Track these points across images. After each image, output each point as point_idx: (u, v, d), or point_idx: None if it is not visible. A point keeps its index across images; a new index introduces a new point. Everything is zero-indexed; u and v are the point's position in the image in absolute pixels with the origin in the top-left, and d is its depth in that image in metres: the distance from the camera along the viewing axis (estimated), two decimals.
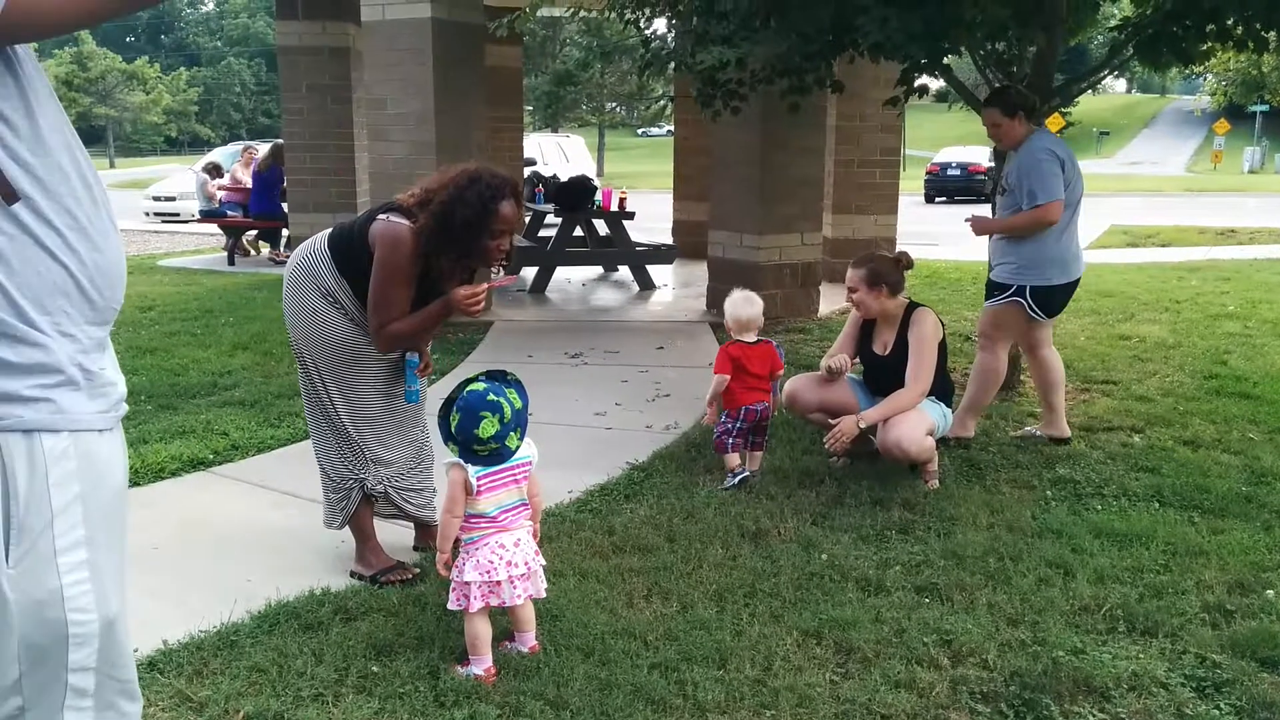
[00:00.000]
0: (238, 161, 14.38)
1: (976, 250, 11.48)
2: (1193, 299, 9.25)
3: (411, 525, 3.73)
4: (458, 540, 2.85)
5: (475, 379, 2.86)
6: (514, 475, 2.84)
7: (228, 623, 3.10)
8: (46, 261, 1.39)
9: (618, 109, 52.91)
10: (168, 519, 3.98)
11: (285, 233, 12.43)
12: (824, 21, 5.45)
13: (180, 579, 3.45)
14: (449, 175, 3.18)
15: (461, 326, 7.67)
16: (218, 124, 76.82)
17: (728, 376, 4.35)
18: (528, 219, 11.69)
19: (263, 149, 13.45)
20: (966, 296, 9.47)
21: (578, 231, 10.64)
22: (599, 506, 4.10)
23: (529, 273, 10.07)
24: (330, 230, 3.42)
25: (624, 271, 10.89)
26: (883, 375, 4.45)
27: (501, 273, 3.43)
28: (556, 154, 22.54)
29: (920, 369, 4.28)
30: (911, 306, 4.44)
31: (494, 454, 2.79)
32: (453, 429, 2.79)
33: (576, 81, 45.51)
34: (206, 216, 13.37)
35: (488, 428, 2.73)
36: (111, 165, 58.42)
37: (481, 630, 2.81)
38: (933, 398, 4.35)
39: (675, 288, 10.43)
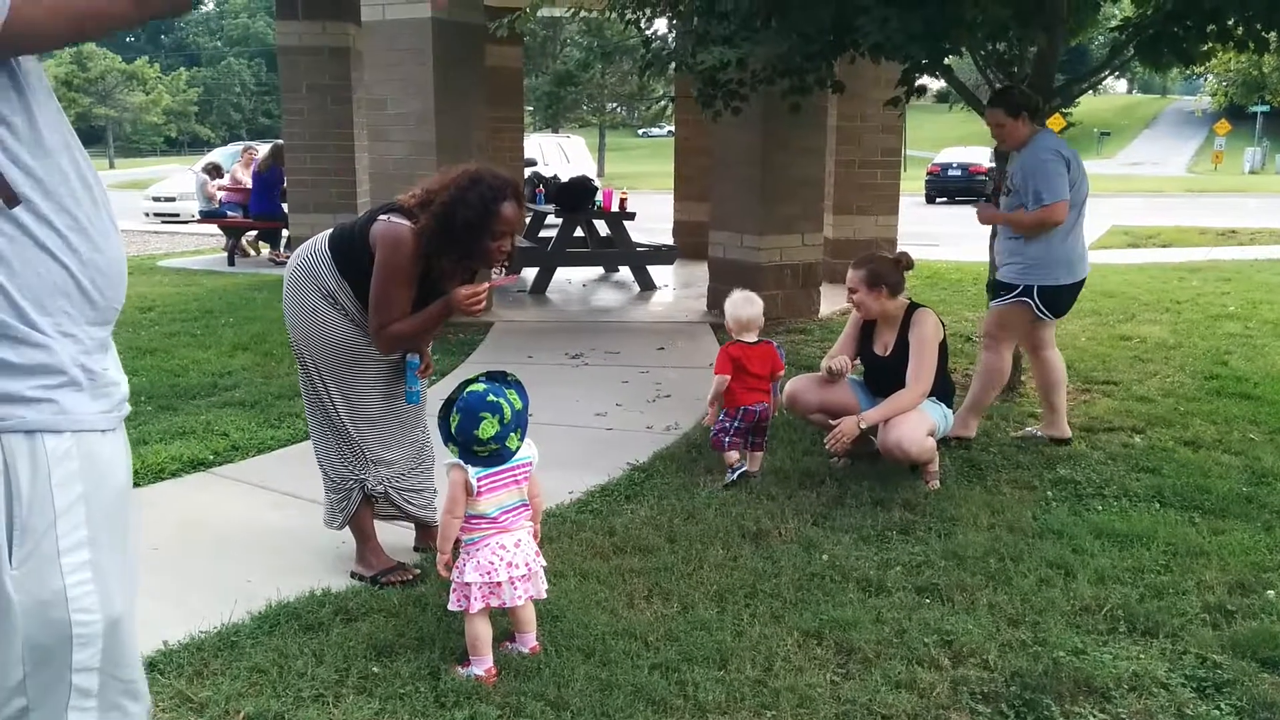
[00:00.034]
0: (238, 162, 14.38)
1: (977, 251, 11.50)
2: (1193, 299, 9.25)
3: (412, 526, 3.73)
4: (458, 541, 2.85)
5: (475, 380, 2.85)
6: (514, 476, 2.84)
7: (228, 623, 3.10)
8: (47, 262, 1.39)
9: (618, 109, 52.93)
10: (168, 519, 3.98)
11: (285, 233, 12.43)
12: (825, 22, 5.45)
13: (180, 579, 3.45)
14: (450, 176, 3.17)
15: (462, 327, 7.67)
16: (218, 124, 76.86)
17: (728, 376, 4.35)
18: (528, 220, 11.69)
19: (263, 149, 13.45)
20: (967, 297, 9.47)
21: (578, 232, 10.64)
22: (600, 507, 4.10)
23: (530, 273, 10.07)
24: (331, 231, 3.42)
25: (625, 272, 10.89)
26: (883, 376, 4.45)
27: (503, 272, 3.43)
28: (557, 154, 22.55)
29: (921, 370, 4.28)
30: (912, 307, 4.44)
31: (494, 455, 2.79)
32: (453, 430, 2.79)
33: (577, 82, 45.52)
34: (206, 217, 13.37)
35: (488, 428, 2.73)
36: (111, 166, 58.44)
37: (482, 631, 2.81)
38: (933, 398, 4.35)
39: (676, 288, 10.43)
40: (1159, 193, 30.31)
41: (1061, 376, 4.99)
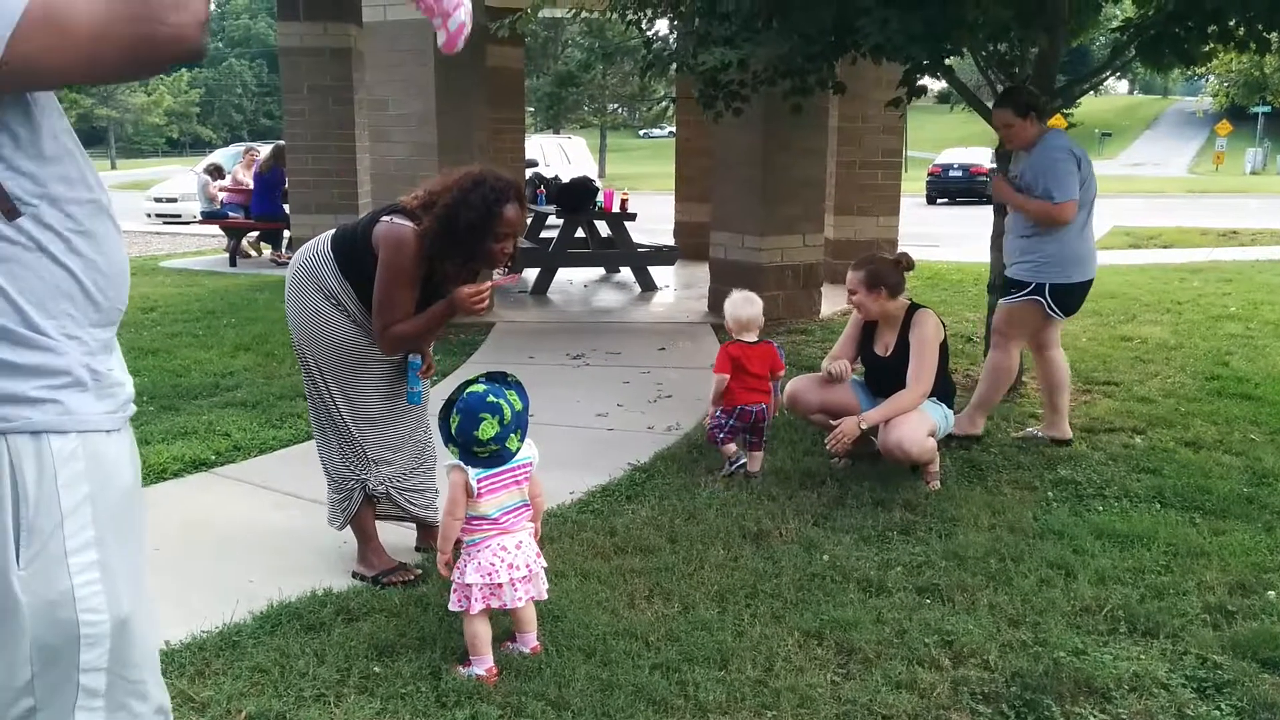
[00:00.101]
0: (239, 163, 14.40)
1: (978, 252, 11.50)
2: (1194, 300, 9.25)
3: (414, 526, 3.74)
4: (459, 541, 2.85)
5: (475, 380, 2.86)
6: (515, 476, 2.85)
7: (230, 623, 3.10)
8: (49, 266, 1.39)
9: (619, 110, 52.90)
10: (170, 520, 3.99)
11: (287, 234, 12.43)
12: (825, 23, 5.45)
13: (182, 580, 3.45)
14: (453, 178, 3.18)
15: (463, 328, 7.67)
16: (219, 125, 76.88)
17: (727, 376, 4.39)
18: (530, 220, 11.69)
19: (264, 150, 13.45)
20: (968, 298, 9.47)
21: (579, 233, 10.64)
22: (600, 507, 4.11)
23: (531, 274, 10.07)
24: (333, 231, 3.42)
25: (626, 273, 10.90)
26: (884, 376, 4.46)
27: (505, 272, 3.44)
28: (558, 155, 22.54)
29: (921, 370, 4.28)
30: (913, 308, 4.45)
31: (494, 456, 2.79)
32: (453, 431, 2.80)
33: (578, 82, 45.51)
34: (208, 218, 13.38)
35: (488, 429, 2.74)
36: (113, 167, 58.48)
37: (481, 631, 2.82)
38: (934, 399, 4.36)
39: (677, 289, 10.43)
40: (1160, 193, 30.30)
41: (1066, 377, 4.99)
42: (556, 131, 42.36)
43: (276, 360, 6.77)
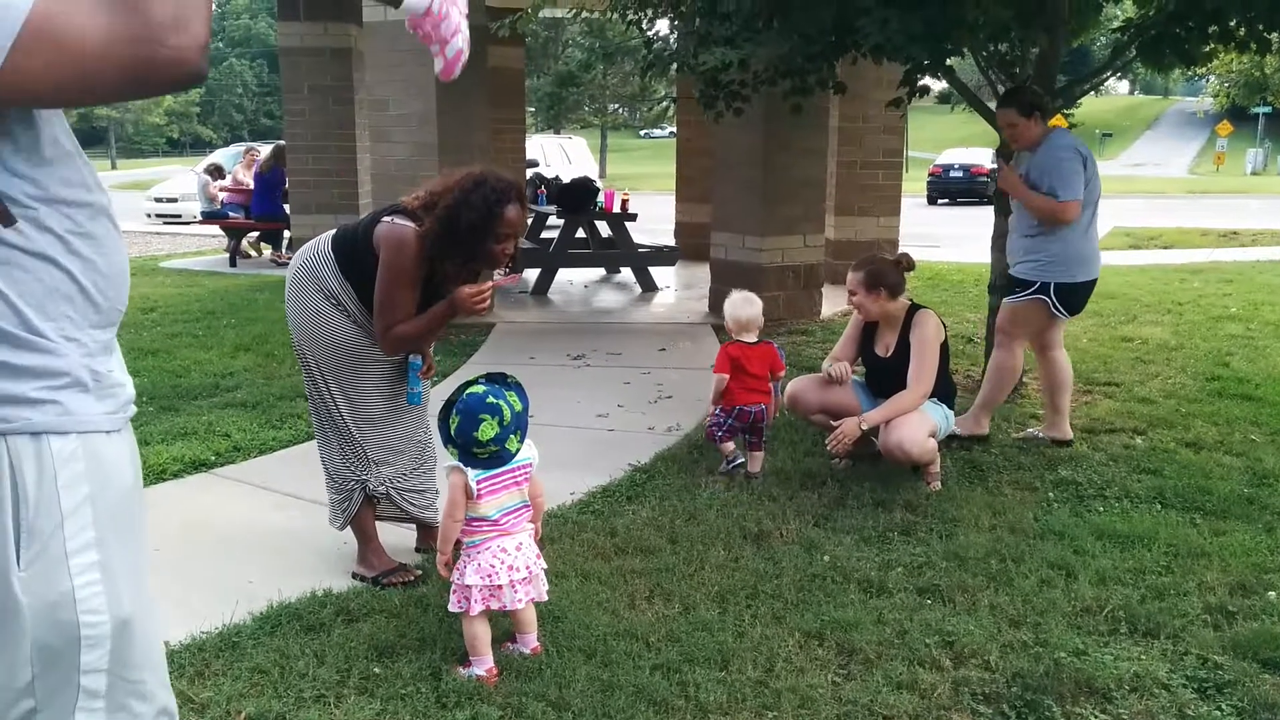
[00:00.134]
0: (239, 163, 14.40)
1: (978, 252, 11.50)
2: (1195, 301, 9.24)
3: (414, 527, 3.74)
4: (459, 542, 2.85)
5: (475, 381, 2.86)
6: (515, 478, 2.85)
7: (229, 624, 3.10)
8: (48, 268, 1.39)
9: (620, 110, 52.92)
10: (169, 520, 3.99)
11: (287, 234, 12.43)
12: (826, 23, 5.45)
13: (182, 580, 3.45)
14: (454, 179, 3.18)
15: (464, 328, 7.67)
16: (219, 125, 76.89)
17: (727, 376, 4.40)
18: (530, 221, 11.69)
19: (265, 150, 13.46)
20: (969, 298, 9.47)
21: (580, 233, 10.64)
22: (601, 508, 4.11)
23: (531, 274, 10.07)
24: (334, 232, 3.42)
25: (626, 273, 10.90)
26: (885, 377, 4.45)
27: (506, 272, 3.43)
28: (559, 155, 22.54)
29: (922, 371, 4.28)
30: (913, 308, 4.45)
31: (494, 457, 2.79)
32: (452, 432, 2.79)
33: (579, 83, 45.53)
34: (208, 218, 13.38)
35: (487, 430, 2.73)
36: (113, 167, 58.48)
37: (481, 632, 2.81)
38: (935, 399, 4.35)
39: (677, 289, 10.43)
40: (1161, 194, 30.29)
41: (1068, 378, 4.99)
42: (557, 132, 42.36)
43: (276, 361, 6.76)
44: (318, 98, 11.24)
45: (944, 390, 4.45)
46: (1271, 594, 3.29)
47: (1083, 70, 7.04)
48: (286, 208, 12.07)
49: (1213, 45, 5.35)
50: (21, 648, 1.41)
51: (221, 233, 13.60)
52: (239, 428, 5.18)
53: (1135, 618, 3.13)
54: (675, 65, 7.06)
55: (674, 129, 17.21)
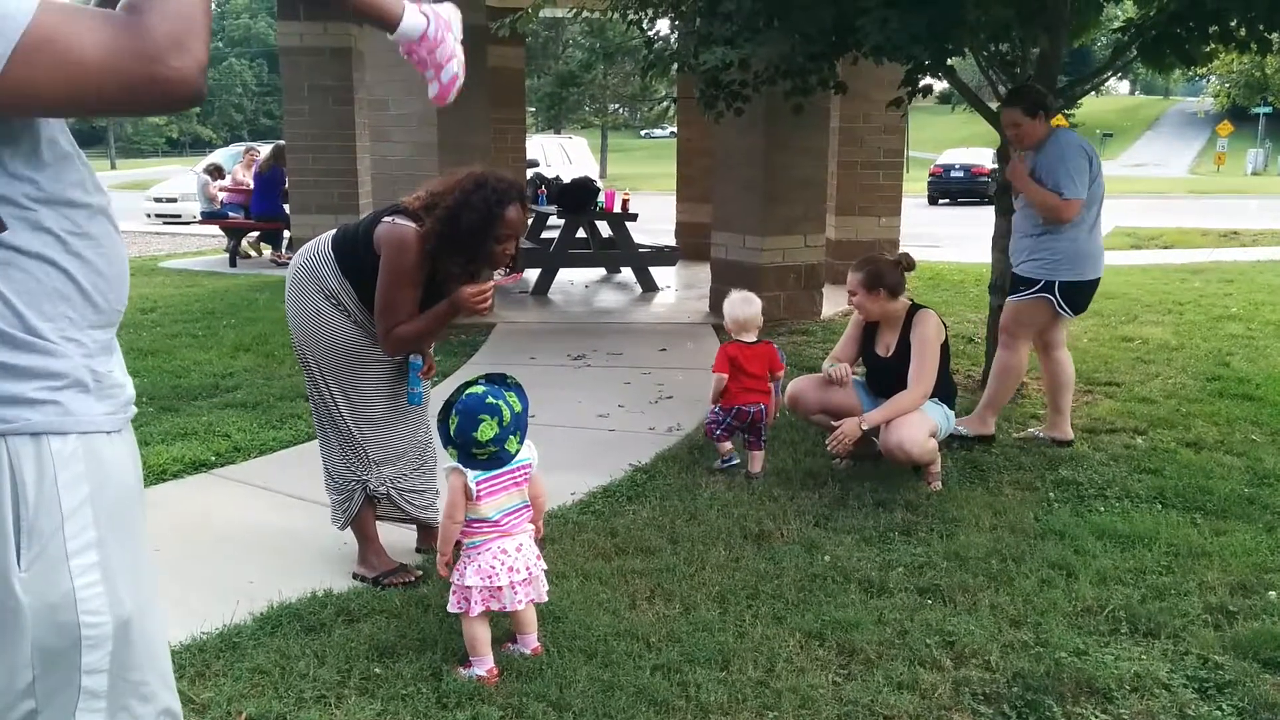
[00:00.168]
0: (239, 163, 14.39)
1: (979, 252, 11.50)
2: (1196, 301, 9.24)
3: (414, 527, 3.74)
4: (459, 543, 2.85)
5: (474, 382, 2.86)
6: (514, 478, 2.84)
7: (230, 624, 3.10)
8: (47, 269, 1.39)
9: (621, 110, 52.93)
10: (169, 521, 3.98)
11: (287, 234, 12.43)
12: (826, 22, 5.45)
13: (182, 581, 3.45)
14: (455, 179, 3.18)
15: (464, 328, 7.67)
16: (219, 125, 76.85)
17: (726, 375, 4.41)
18: (531, 221, 11.68)
19: (264, 150, 13.45)
20: (969, 298, 9.47)
21: (581, 233, 10.64)
22: (602, 508, 4.10)
23: (532, 274, 10.07)
24: (334, 232, 3.42)
25: (627, 273, 10.89)
26: (885, 377, 4.45)
27: (507, 272, 3.43)
28: (559, 155, 22.54)
29: (922, 371, 4.28)
30: (914, 308, 4.44)
31: (493, 458, 2.78)
32: (451, 432, 2.79)
33: (579, 82, 45.52)
34: (208, 218, 13.37)
35: (486, 430, 2.73)
36: (113, 167, 58.41)
37: (481, 633, 2.81)
38: (935, 399, 4.35)
39: (678, 289, 10.43)
40: (1161, 194, 30.28)
41: (1071, 378, 4.99)
42: (558, 131, 42.38)
43: (276, 361, 6.76)
44: (318, 97, 11.24)
45: (944, 390, 4.44)
46: (1272, 594, 3.29)
47: (1083, 70, 7.04)
48: (286, 208, 12.07)
49: (1213, 45, 5.35)
50: (22, 649, 1.41)
51: (221, 233, 13.60)
52: (239, 428, 5.17)
53: (1136, 618, 3.13)
54: (676, 65, 7.07)
55: (674, 129, 17.20)
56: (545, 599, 2.96)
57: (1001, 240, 5.74)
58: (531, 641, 2.93)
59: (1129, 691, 2.73)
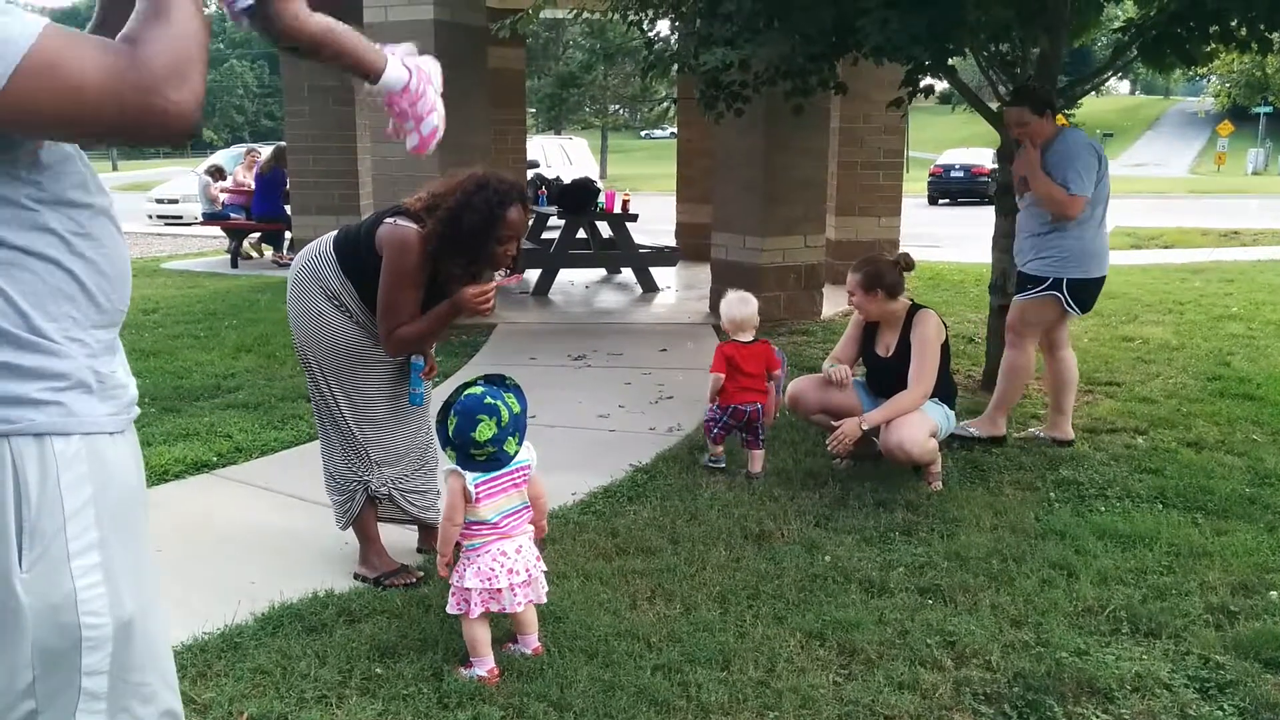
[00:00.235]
0: (240, 164, 14.40)
1: (979, 252, 11.49)
2: (1196, 300, 9.24)
3: (415, 528, 3.74)
4: (459, 544, 2.85)
5: (473, 383, 2.86)
6: (513, 480, 2.84)
7: (231, 625, 3.10)
8: (50, 269, 1.39)
9: (621, 111, 52.94)
10: (171, 521, 3.99)
11: (288, 235, 12.44)
12: (826, 23, 5.46)
13: (183, 581, 3.45)
14: (456, 180, 3.18)
15: (465, 329, 7.67)
16: (220, 126, 76.84)
17: (723, 375, 4.44)
18: (531, 221, 11.67)
19: (266, 151, 13.46)
20: (969, 299, 9.47)
21: (581, 234, 10.64)
22: (602, 508, 4.11)
23: (532, 275, 10.07)
24: (335, 233, 3.43)
25: (627, 274, 10.90)
26: (885, 377, 4.45)
27: (508, 273, 3.44)
28: (560, 156, 22.53)
29: (922, 371, 4.28)
30: (914, 308, 4.44)
31: (492, 459, 2.78)
32: (450, 433, 2.79)
33: (579, 83, 45.56)
34: (209, 219, 13.38)
35: (485, 430, 2.73)
36: (114, 168, 58.48)
37: (481, 634, 2.81)
38: (935, 399, 4.35)
39: (678, 290, 10.44)
40: (1162, 194, 30.26)
41: (1074, 378, 4.99)
42: (558, 132, 42.36)
43: (278, 362, 6.77)
44: (318, 98, 11.25)
45: (945, 390, 4.45)
46: (1273, 594, 3.29)
47: (1084, 70, 7.03)
48: (287, 209, 12.07)
49: (1214, 45, 5.36)
50: (23, 649, 1.41)
51: (223, 234, 13.61)
52: (240, 429, 5.18)
53: (1137, 618, 3.13)
54: (676, 66, 7.07)
55: (675, 130, 17.20)
56: (545, 600, 2.96)
57: (1002, 240, 5.75)
58: (532, 642, 2.93)
59: (1130, 691, 2.73)
